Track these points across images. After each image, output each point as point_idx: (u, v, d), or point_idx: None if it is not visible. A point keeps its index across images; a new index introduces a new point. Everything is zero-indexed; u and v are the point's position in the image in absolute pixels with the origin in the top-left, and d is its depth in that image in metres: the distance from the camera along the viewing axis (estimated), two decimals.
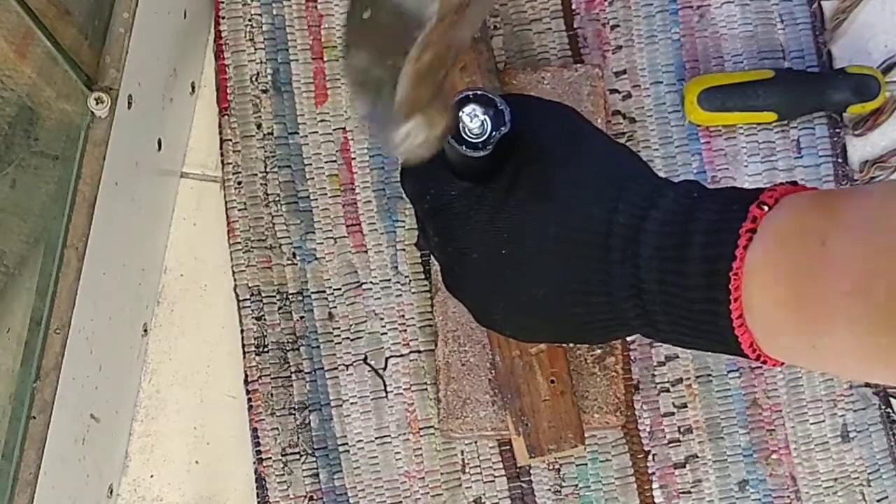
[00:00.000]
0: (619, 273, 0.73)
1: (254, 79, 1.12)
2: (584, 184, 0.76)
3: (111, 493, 1.05)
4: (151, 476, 1.08)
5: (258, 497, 1.07)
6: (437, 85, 0.70)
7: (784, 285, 0.66)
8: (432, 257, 1.06)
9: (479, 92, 0.77)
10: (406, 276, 1.09)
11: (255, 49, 1.12)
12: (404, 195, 0.94)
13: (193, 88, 1.13)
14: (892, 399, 1.08)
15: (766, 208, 0.68)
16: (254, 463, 1.07)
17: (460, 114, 0.76)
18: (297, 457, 1.07)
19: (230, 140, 1.11)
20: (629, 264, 0.73)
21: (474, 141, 0.76)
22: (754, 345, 0.69)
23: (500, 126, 0.76)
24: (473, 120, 0.76)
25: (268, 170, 1.11)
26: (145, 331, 1.09)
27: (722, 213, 0.70)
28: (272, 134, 1.11)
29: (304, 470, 1.07)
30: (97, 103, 0.93)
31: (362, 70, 0.67)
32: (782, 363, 0.71)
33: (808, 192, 0.70)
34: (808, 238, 0.65)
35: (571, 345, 1.03)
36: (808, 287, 0.65)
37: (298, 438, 1.07)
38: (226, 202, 1.11)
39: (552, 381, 1.01)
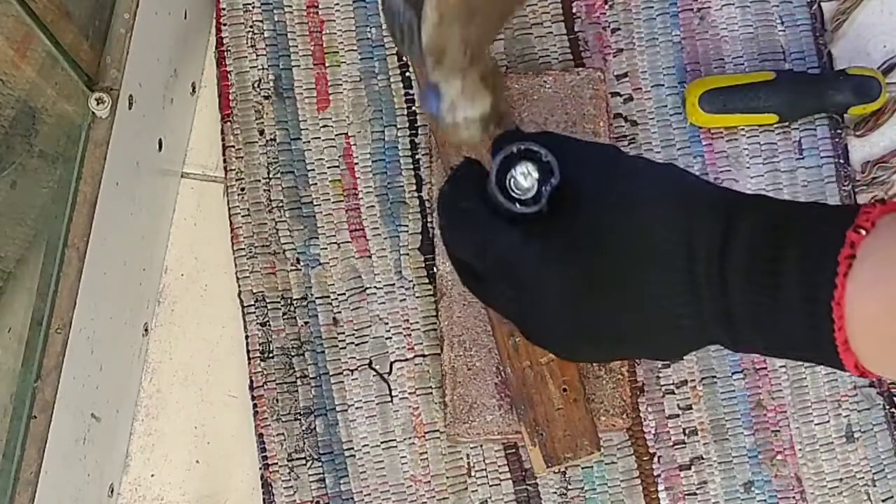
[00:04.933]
0: (707, 296, 0.72)
1: (256, 85, 1.12)
2: (648, 205, 0.76)
3: (112, 492, 1.05)
4: (152, 475, 1.09)
5: (264, 502, 1.07)
6: (474, 47, 0.70)
7: (891, 317, 0.65)
8: (436, 262, 1.06)
9: (523, 147, 0.77)
10: (410, 281, 1.09)
11: (257, 55, 1.13)
12: (450, 259, 0.90)
13: (194, 89, 1.13)
14: None
15: (863, 232, 0.66)
16: (260, 468, 1.07)
17: (512, 171, 0.76)
18: (303, 462, 1.07)
19: (233, 146, 1.12)
20: (717, 289, 0.72)
21: (525, 198, 0.77)
22: (858, 365, 0.68)
23: (550, 179, 0.76)
24: (527, 179, 0.76)
25: (271, 176, 1.11)
26: (146, 330, 1.09)
27: (816, 236, 0.68)
28: (275, 140, 1.12)
29: (310, 475, 1.07)
30: (98, 104, 0.94)
31: (395, 13, 0.69)
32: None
33: None
34: None
35: None
36: None
37: (304, 444, 1.07)
38: (229, 208, 1.11)
39: (564, 390, 1.01)
